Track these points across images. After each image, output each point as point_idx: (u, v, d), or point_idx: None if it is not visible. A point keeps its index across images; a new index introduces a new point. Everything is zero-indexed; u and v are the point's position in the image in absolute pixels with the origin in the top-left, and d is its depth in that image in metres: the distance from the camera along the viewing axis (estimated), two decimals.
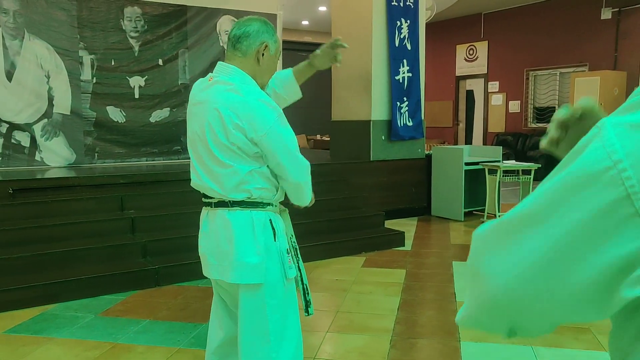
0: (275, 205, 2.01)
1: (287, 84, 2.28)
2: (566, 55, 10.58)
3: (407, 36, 7.06)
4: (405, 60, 7.05)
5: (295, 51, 13.48)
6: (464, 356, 3.12)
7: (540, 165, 6.90)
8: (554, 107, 10.87)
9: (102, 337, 3.40)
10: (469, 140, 12.73)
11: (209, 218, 2.00)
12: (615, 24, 9.90)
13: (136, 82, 6.53)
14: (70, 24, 6.12)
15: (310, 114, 12.41)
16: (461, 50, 12.73)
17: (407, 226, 6.59)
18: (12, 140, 5.91)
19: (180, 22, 6.75)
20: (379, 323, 3.62)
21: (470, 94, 12.88)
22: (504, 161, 7.05)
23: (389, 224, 6.27)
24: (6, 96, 5.82)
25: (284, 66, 2.79)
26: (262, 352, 1.95)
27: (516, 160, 8.10)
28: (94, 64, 6.28)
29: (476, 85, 12.64)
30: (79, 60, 6.20)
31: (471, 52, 12.50)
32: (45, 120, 6.04)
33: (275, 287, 1.94)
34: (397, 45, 6.98)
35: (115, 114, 6.44)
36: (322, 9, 11.13)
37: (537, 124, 11.21)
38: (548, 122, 10.82)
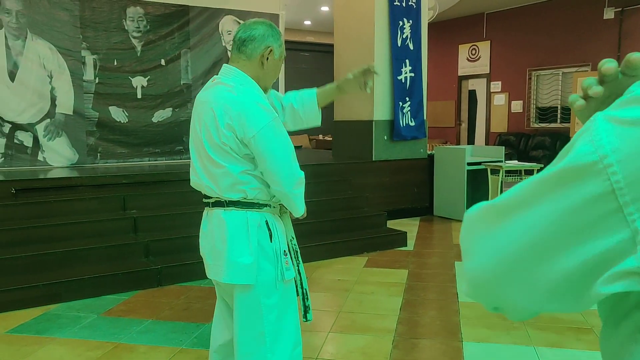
0: (274, 207, 1.99)
1: (307, 104, 2.20)
2: (569, 55, 10.56)
3: (409, 36, 7.05)
4: (407, 60, 7.05)
5: (298, 51, 13.49)
6: (467, 356, 3.12)
7: (542, 165, 6.89)
8: (557, 107, 10.85)
9: (104, 337, 3.41)
10: (471, 140, 12.70)
11: (208, 218, 2.01)
12: (617, 24, 9.88)
13: (139, 82, 6.53)
14: (73, 24, 6.13)
15: None
16: (463, 50, 12.70)
17: (410, 226, 6.59)
18: (15, 140, 5.92)
19: (183, 22, 6.75)
20: (381, 323, 3.61)
21: (472, 94, 12.85)
22: (507, 161, 7.04)
23: (391, 224, 6.26)
24: (9, 96, 5.83)
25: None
26: (258, 353, 1.94)
27: (519, 160, 8.09)
28: (97, 64, 6.29)
29: (478, 85, 12.61)
30: (81, 60, 6.20)
31: (473, 52, 12.47)
32: (48, 120, 6.05)
33: (271, 287, 1.93)
34: (399, 45, 6.97)
35: (118, 114, 6.45)
36: (325, 9, 11.12)
37: (540, 124, 11.18)
38: (550, 122, 10.86)
